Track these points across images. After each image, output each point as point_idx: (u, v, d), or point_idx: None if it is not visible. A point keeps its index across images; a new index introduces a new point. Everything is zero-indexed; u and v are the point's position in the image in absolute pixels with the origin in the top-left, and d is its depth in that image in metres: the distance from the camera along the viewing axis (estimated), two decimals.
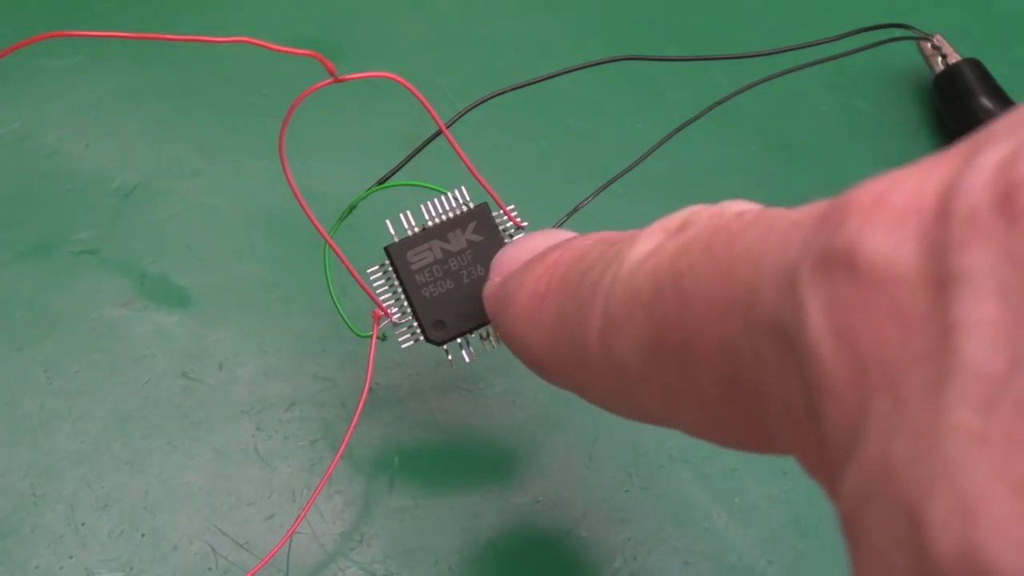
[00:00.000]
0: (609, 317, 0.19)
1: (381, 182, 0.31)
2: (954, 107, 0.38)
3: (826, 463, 0.13)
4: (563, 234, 0.24)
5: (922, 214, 0.13)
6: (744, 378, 0.15)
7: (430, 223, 0.30)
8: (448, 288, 0.29)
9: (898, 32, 0.38)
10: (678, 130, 0.35)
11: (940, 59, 0.39)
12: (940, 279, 0.12)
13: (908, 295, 0.12)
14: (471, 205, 0.30)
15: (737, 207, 0.18)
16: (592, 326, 0.19)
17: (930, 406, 0.12)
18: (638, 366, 0.18)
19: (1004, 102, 0.38)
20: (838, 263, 0.13)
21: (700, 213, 0.19)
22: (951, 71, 0.38)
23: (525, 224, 0.30)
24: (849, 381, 0.13)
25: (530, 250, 0.24)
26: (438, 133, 0.29)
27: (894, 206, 0.13)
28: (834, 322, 0.13)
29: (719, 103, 0.36)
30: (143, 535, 0.32)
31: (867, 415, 0.12)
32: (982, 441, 0.11)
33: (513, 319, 0.23)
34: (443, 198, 0.30)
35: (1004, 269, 0.11)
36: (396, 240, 0.29)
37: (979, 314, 0.11)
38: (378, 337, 0.30)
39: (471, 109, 0.31)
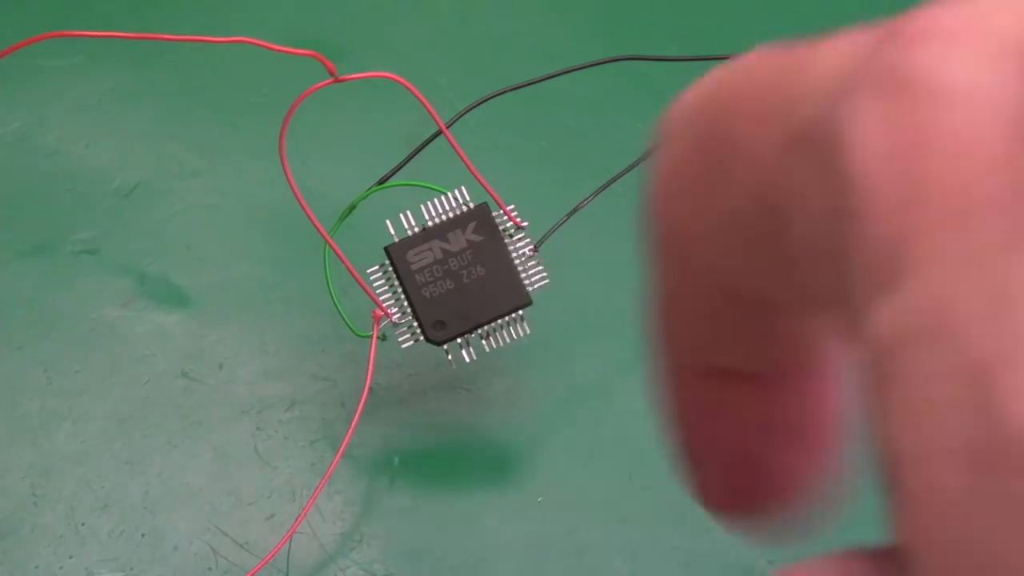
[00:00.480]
0: (663, 136, 0.18)
1: (381, 182, 0.31)
2: None
3: (846, 299, 0.12)
4: None
5: (1017, 51, 0.11)
6: (773, 198, 0.14)
7: (430, 223, 0.30)
8: (448, 288, 0.29)
9: None
10: None
11: None
12: None
13: (991, 133, 0.11)
14: (471, 205, 0.30)
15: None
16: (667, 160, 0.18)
17: (1004, 261, 0.10)
18: (685, 173, 0.17)
19: None
20: (904, 84, 0.12)
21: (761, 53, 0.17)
22: None
23: (525, 224, 0.30)
24: (897, 209, 0.11)
25: None
26: (438, 133, 0.29)
27: (981, 36, 0.11)
28: (891, 144, 0.12)
29: None
30: (143, 535, 0.32)
31: (918, 249, 0.11)
32: None
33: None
34: (443, 198, 0.30)
35: None
36: (396, 240, 0.29)
37: None
38: (378, 337, 0.30)
39: (471, 109, 0.31)
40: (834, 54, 0.13)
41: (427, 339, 0.30)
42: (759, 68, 0.15)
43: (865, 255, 0.12)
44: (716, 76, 0.17)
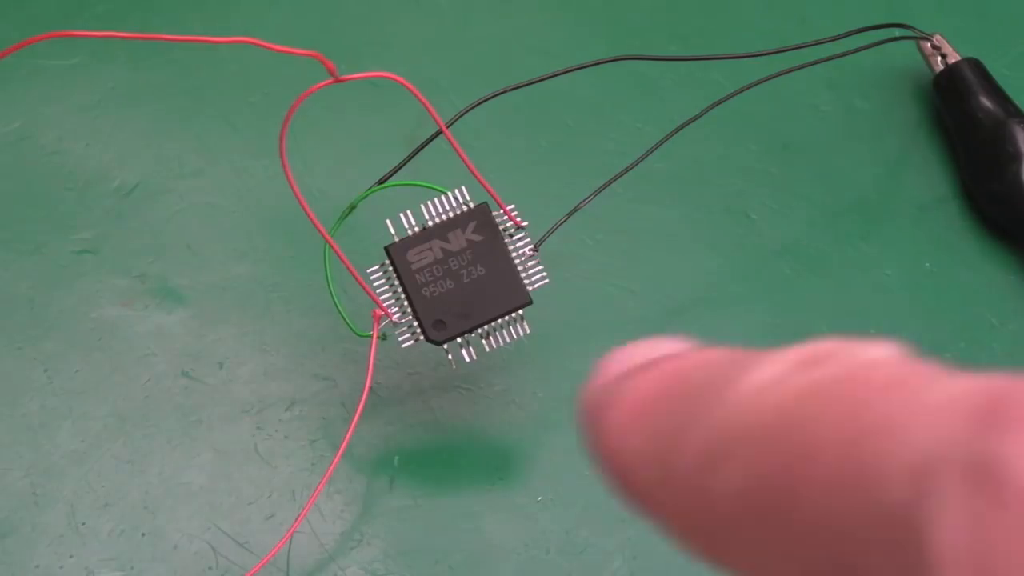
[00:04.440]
0: (710, 449, 0.17)
1: (381, 182, 0.31)
2: (953, 107, 0.38)
3: None
4: (686, 342, 0.23)
5: None
6: (843, 568, 0.14)
7: (430, 223, 0.30)
8: (448, 288, 0.29)
9: (898, 32, 0.38)
10: (678, 130, 0.35)
11: (940, 59, 0.39)
12: None
13: None
14: (471, 205, 0.30)
15: (877, 350, 0.16)
16: (689, 454, 0.17)
17: None
18: (730, 513, 0.16)
19: (1004, 102, 0.38)
20: (989, 481, 0.12)
21: (834, 348, 0.16)
22: (951, 71, 0.38)
23: (525, 224, 0.30)
24: None
25: (646, 354, 0.22)
26: (438, 133, 0.29)
27: None
28: (973, 548, 0.12)
29: (719, 103, 0.36)
30: (143, 534, 0.32)
31: None
32: None
33: (610, 424, 0.20)
34: (443, 198, 0.30)
35: None
36: (396, 240, 0.29)
37: None
38: (378, 337, 0.30)
39: (471, 109, 0.31)
40: (922, 428, 0.13)
41: (427, 339, 0.30)
42: (822, 425, 0.15)
43: None
44: (762, 419, 0.16)
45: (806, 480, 0.15)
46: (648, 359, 0.21)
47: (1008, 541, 0.12)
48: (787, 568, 0.15)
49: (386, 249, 0.29)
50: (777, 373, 0.16)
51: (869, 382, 0.15)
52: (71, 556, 0.31)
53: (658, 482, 0.18)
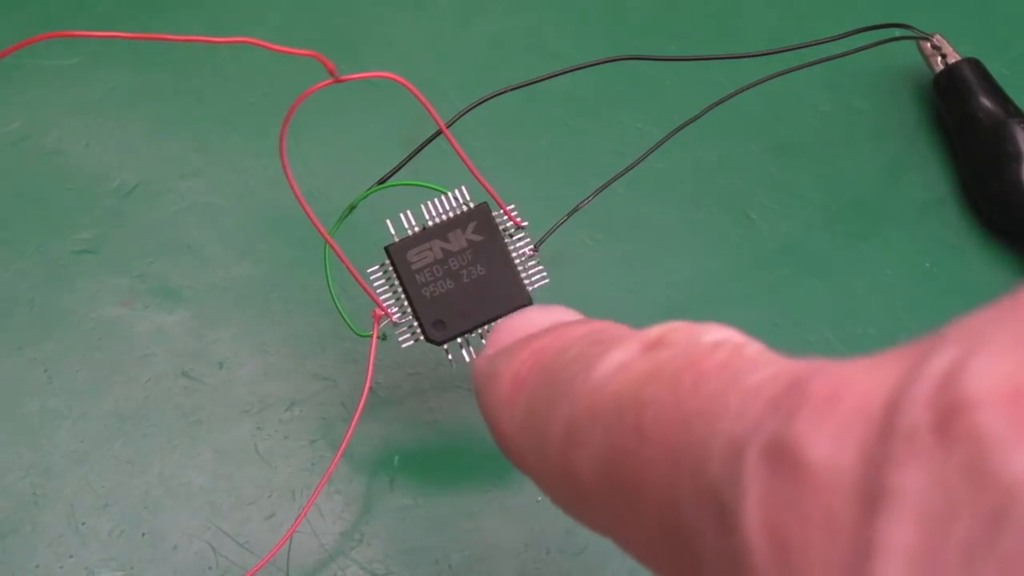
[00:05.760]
0: (572, 426, 0.18)
1: (381, 182, 0.31)
2: (953, 107, 0.38)
3: None
4: (564, 313, 0.24)
5: (868, 422, 0.13)
6: (683, 533, 0.15)
7: (430, 223, 0.30)
8: (448, 288, 0.29)
9: (898, 32, 0.38)
10: (678, 130, 0.35)
11: (940, 59, 0.39)
12: (873, 493, 0.12)
13: (841, 505, 0.12)
14: (471, 205, 0.30)
15: (715, 335, 0.17)
16: (556, 429, 0.19)
17: None
18: (590, 482, 0.18)
19: (1004, 102, 0.38)
20: (783, 458, 0.13)
21: (678, 332, 0.18)
22: (951, 71, 0.38)
23: (525, 224, 0.30)
24: None
25: (529, 326, 0.23)
26: (438, 133, 0.29)
27: (844, 408, 0.13)
28: (769, 518, 0.13)
29: (719, 103, 0.36)
30: (143, 534, 0.32)
31: None
32: None
33: (494, 397, 0.22)
34: (443, 198, 0.30)
35: (930, 495, 0.11)
36: (396, 240, 0.30)
37: (897, 538, 0.12)
38: (378, 337, 0.30)
39: (471, 109, 0.31)
40: (734, 412, 0.15)
41: (427, 339, 0.30)
42: (656, 408, 0.16)
43: None
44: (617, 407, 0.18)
45: (645, 459, 0.16)
46: (527, 332, 0.23)
47: (799, 511, 0.13)
48: (640, 529, 0.17)
49: (386, 249, 0.29)
50: (626, 357, 0.18)
51: (700, 367, 0.16)
52: (71, 556, 0.31)
53: (532, 451, 0.20)
